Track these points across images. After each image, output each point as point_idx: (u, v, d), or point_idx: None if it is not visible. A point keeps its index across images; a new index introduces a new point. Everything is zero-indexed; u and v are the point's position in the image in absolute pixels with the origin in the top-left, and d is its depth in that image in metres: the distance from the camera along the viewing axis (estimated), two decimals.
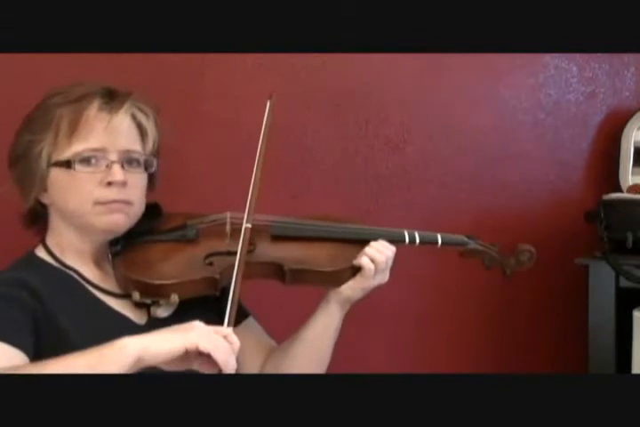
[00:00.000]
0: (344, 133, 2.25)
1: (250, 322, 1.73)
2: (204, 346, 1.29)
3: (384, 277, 1.65)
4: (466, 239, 1.75)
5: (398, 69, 2.27)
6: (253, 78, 2.16)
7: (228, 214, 1.67)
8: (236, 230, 1.63)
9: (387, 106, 2.27)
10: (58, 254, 1.58)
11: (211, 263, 1.57)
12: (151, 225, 1.63)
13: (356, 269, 1.62)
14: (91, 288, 1.57)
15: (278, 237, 1.66)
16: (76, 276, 1.57)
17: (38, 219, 1.61)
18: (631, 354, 2.18)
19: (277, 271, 1.60)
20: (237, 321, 1.69)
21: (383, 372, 2.18)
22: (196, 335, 1.30)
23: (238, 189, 2.12)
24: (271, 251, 1.62)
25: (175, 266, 1.55)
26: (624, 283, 2.23)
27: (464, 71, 2.30)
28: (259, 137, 2.16)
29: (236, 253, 1.57)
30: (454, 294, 2.36)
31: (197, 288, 1.53)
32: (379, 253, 1.63)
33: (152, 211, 1.65)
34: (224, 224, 1.66)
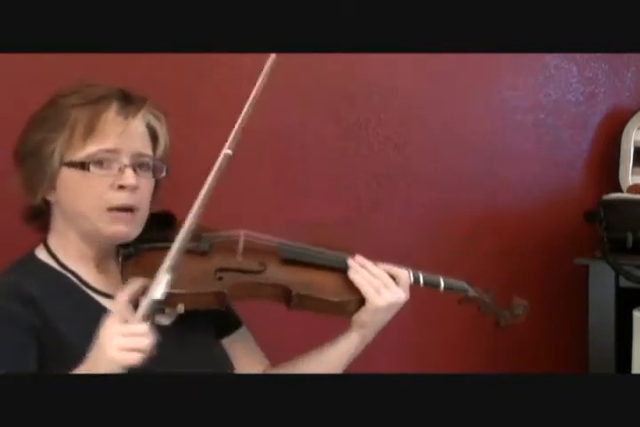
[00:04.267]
0: (344, 133, 2.26)
1: (243, 332, 1.72)
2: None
3: (395, 295, 1.64)
4: (467, 286, 1.76)
5: (398, 69, 2.28)
6: (253, 78, 2.15)
7: (242, 233, 1.66)
8: (247, 249, 1.63)
9: (387, 106, 2.27)
10: (59, 256, 1.58)
11: (220, 278, 1.57)
12: (165, 233, 1.63)
13: (363, 300, 1.63)
14: (89, 291, 1.56)
15: (288, 261, 1.65)
16: (74, 279, 1.56)
17: (40, 216, 1.60)
18: (631, 354, 2.18)
19: (284, 295, 1.59)
20: (231, 330, 1.69)
21: (383, 372, 2.18)
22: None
23: (238, 189, 2.13)
24: (280, 274, 1.62)
25: (186, 277, 1.51)
26: (624, 283, 2.23)
27: (464, 71, 2.31)
28: (258, 137, 2.16)
29: (246, 271, 1.58)
30: (455, 293, 2.36)
31: (205, 301, 1.53)
32: (367, 273, 1.63)
33: (166, 219, 1.65)
34: (237, 242, 1.65)
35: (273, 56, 1.58)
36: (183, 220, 1.66)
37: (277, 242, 1.67)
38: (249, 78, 2.17)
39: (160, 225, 1.63)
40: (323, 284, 1.63)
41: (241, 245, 1.64)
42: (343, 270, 1.65)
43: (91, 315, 1.54)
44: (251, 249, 1.64)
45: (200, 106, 2.08)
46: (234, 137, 1.49)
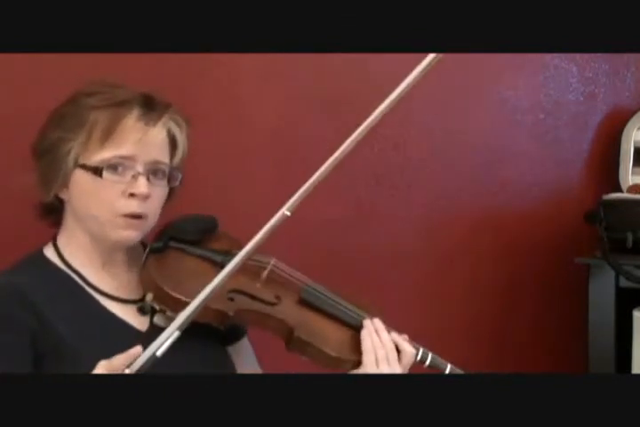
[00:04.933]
0: (343, 133, 2.25)
1: (245, 343, 1.72)
2: None
3: (391, 370, 1.61)
4: None
5: (398, 69, 2.27)
6: (253, 78, 2.15)
7: (272, 261, 1.66)
8: (270, 279, 1.63)
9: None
10: (66, 255, 1.57)
11: (232, 299, 1.56)
12: (200, 237, 1.63)
13: (360, 363, 1.61)
14: (92, 292, 1.56)
15: (305, 302, 1.64)
16: (78, 279, 1.56)
17: (53, 212, 1.60)
18: (631, 354, 2.19)
19: (286, 333, 1.58)
20: (234, 339, 1.69)
21: None
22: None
23: (238, 190, 2.13)
24: (292, 312, 1.60)
25: (199, 287, 1.46)
26: (624, 283, 2.24)
27: (464, 71, 2.30)
28: (259, 137, 2.16)
29: (259, 300, 1.58)
30: (455, 293, 2.36)
31: (206, 316, 1.50)
32: (377, 340, 1.62)
33: (208, 224, 1.66)
34: (263, 268, 1.64)
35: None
36: (224, 233, 1.67)
37: (303, 282, 1.66)
38: (249, 78, 2.18)
39: (201, 229, 1.64)
40: (328, 335, 1.61)
41: (265, 273, 1.64)
42: (355, 328, 1.64)
43: (92, 316, 1.54)
44: (274, 280, 1.64)
45: (200, 106, 2.08)
46: (296, 199, 1.45)
